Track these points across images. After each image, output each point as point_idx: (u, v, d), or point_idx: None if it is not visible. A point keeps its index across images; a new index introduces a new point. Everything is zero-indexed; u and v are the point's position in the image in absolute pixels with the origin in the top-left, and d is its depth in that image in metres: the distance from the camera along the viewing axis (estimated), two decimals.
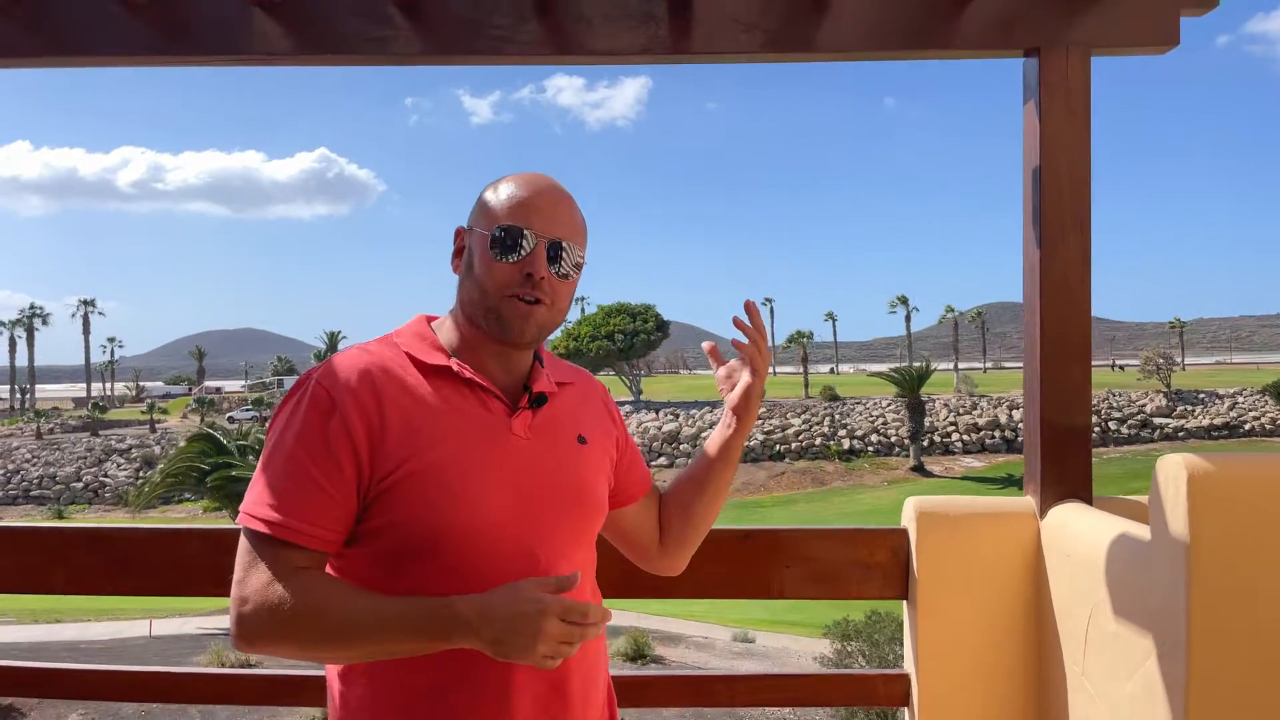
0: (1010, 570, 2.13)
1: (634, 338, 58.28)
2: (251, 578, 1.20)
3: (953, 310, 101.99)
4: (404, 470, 1.23)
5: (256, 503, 1.22)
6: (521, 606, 1.13)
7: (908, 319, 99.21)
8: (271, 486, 1.22)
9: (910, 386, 48.46)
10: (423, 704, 1.25)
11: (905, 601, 2.20)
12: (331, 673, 1.34)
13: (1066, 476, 2.14)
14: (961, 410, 53.62)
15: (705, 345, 1.57)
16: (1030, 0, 2.18)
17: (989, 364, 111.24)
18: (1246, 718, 1.54)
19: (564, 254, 1.32)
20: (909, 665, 2.18)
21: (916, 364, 55.84)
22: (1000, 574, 2.13)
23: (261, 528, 1.21)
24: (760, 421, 50.75)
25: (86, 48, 2.22)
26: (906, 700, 2.18)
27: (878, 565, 2.22)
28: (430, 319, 1.41)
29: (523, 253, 1.29)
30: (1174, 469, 1.57)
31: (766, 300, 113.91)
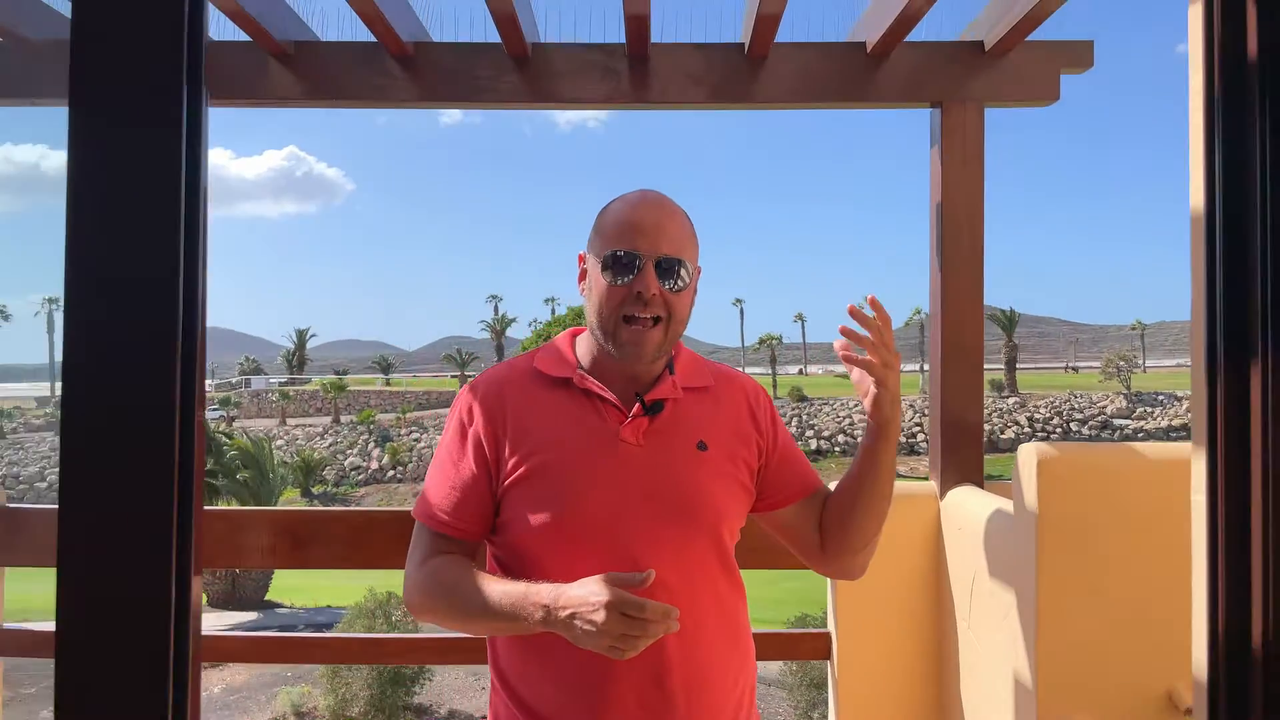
0: (915, 542, 2.53)
1: None
2: (412, 558, 1.41)
3: (920, 312, 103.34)
4: (520, 472, 1.35)
5: (420, 497, 1.43)
6: (587, 597, 1.18)
7: None
8: (427, 485, 1.43)
9: None
10: (552, 660, 1.34)
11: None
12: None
13: (962, 464, 2.54)
14: (926, 411, 54.49)
15: (836, 345, 1.37)
16: (935, 62, 2.58)
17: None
18: (1081, 652, 1.93)
19: (673, 268, 1.36)
20: (830, 625, 2.57)
21: None
22: (907, 546, 2.53)
23: (418, 518, 1.42)
24: None
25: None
26: (828, 654, 2.57)
27: None
28: (577, 333, 1.50)
29: (633, 274, 1.35)
30: (1028, 456, 1.97)
31: (737, 301, 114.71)
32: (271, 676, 12.68)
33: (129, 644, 0.68)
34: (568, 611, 1.20)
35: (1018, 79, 2.56)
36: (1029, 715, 1.93)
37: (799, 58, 2.60)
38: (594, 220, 1.43)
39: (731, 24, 2.66)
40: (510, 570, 1.37)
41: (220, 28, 2.52)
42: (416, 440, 50.48)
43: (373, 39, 2.49)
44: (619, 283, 1.35)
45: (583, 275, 1.44)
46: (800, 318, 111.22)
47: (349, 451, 50.41)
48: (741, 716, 1.42)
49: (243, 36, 2.48)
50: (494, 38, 2.48)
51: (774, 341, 78.67)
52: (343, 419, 56.21)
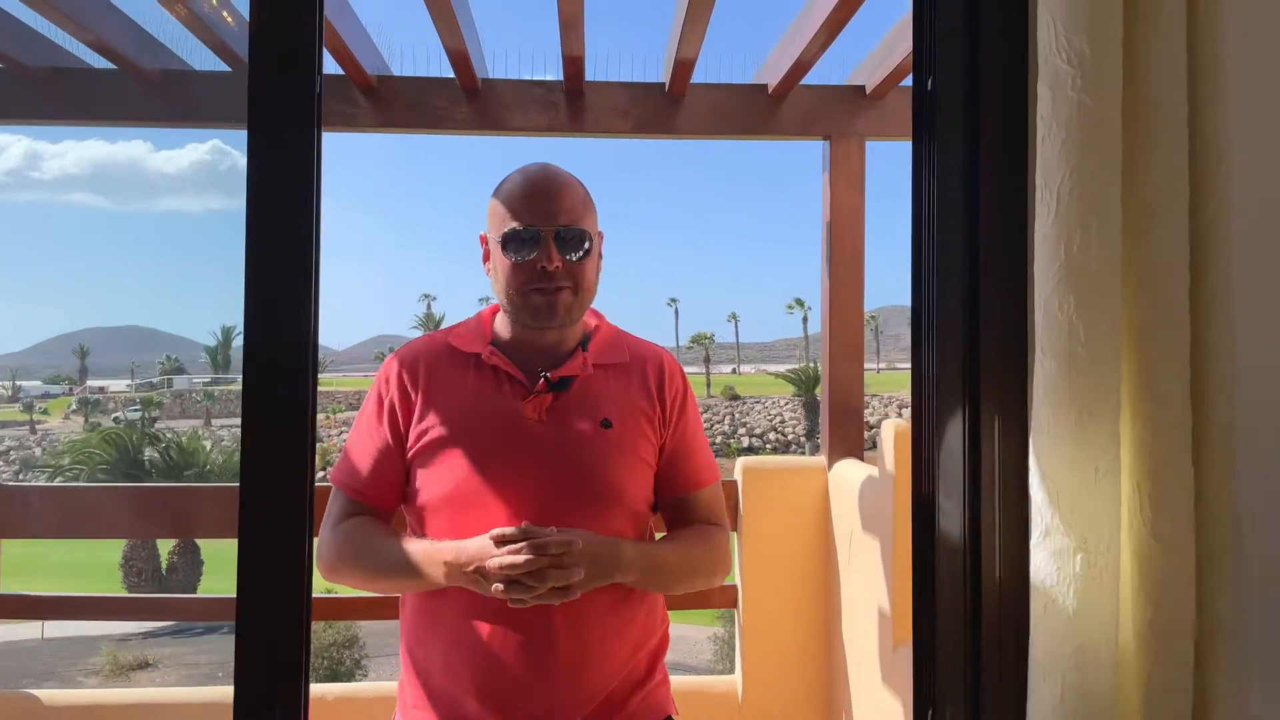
0: (806, 507, 3.00)
1: None
2: (326, 521, 1.42)
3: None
4: (423, 443, 1.36)
5: (336, 464, 1.44)
6: (485, 546, 1.24)
7: (805, 321, 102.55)
8: (345, 451, 1.44)
9: (807, 386, 50.46)
10: (443, 627, 1.36)
11: (735, 532, 3.05)
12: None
13: (846, 441, 3.02)
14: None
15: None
16: (826, 101, 3.05)
17: (883, 365, 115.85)
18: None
19: (573, 238, 1.35)
20: (737, 578, 3.03)
21: (813, 364, 57.93)
22: (800, 510, 3.00)
23: (334, 483, 1.44)
24: None
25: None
26: (736, 603, 3.02)
27: None
28: (496, 309, 1.49)
29: (532, 250, 1.34)
30: (888, 430, 2.44)
31: (671, 301, 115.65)
32: None
33: (281, 561, 1.05)
34: (472, 565, 1.24)
35: (893, 118, 3.05)
36: (887, 638, 2.41)
37: (712, 96, 3.04)
38: (488, 199, 1.41)
39: (654, 66, 3.10)
40: (420, 538, 1.38)
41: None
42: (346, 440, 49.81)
43: (341, 72, 2.85)
44: (521, 259, 1.34)
45: (486, 255, 1.42)
46: (734, 317, 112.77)
47: None
48: (638, 676, 1.40)
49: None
50: (449, 73, 2.87)
51: (707, 341, 79.73)
52: None
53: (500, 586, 1.22)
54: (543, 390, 1.37)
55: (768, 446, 52.81)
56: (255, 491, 1.02)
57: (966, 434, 1.06)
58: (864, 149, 3.06)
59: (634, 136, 3.06)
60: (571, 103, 2.99)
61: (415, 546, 1.32)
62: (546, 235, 1.34)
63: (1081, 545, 0.91)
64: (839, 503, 2.90)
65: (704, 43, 2.70)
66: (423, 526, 1.38)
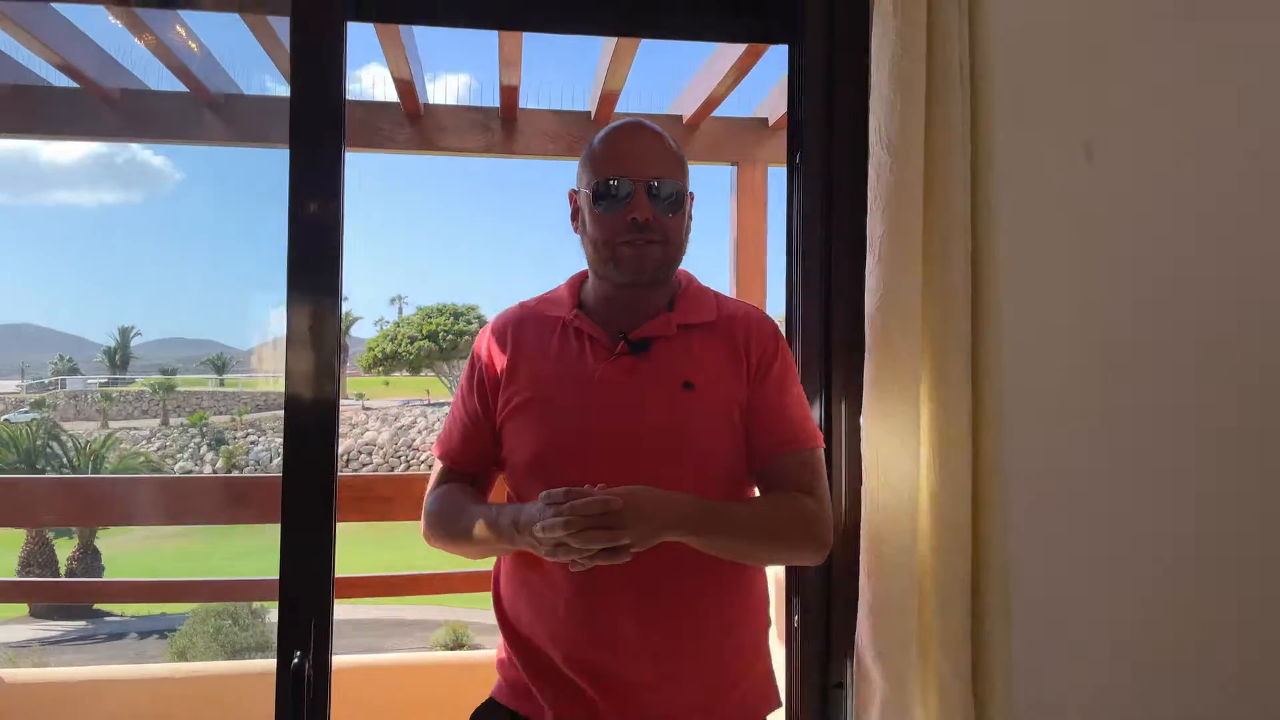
0: None
1: (460, 338, 58.29)
2: (428, 492, 1.44)
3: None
4: (510, 408, 1.36)
5: (440, 434, 1.48)
6: (537, 509, 1.19)
7: None
8: (446, 422, 1.46)
9: None
10: (532, 592, 1.35)
11: None
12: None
13: None
14: None
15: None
16: (732, 132, 3.45)
17: None
18: None
19: (664, 191, 1.32)
20: None
21: None
22: None
23: (435, 454, 1.46)
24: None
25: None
26: None
27: None
28: (585, 275, 1.46)
29: (624, 201, 1.31)
30: None
31: (396, 299, 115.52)
32: None
33: (312, 537, 1.37)
34: (526, 531, 1.20)
35: None
36: None
37: None
38: (581, 156, 1.40)
39: (582, 96, 3.45)
40: (514, 501, 1.39)
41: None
42: (254, 443, 48.71)
43: None
44: (611, 211, 1.31)
45: (575, 214, 1.40)
46: None
47: (179, 455, 48.09)
48: (740, 665, 1.34)
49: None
50: (394, 98, 3.16)
51: None
52: (172, 421, 53.47)
53: (550, 551, 1.18)
54: (623, 352, 1.33)
55: None
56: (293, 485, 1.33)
57: (823, 412, 1.44)
58: (766, 174, 3.47)
59: (562, 159, 3.40)
60: (505, 127, 3.32)
61: (485, 512, 1.32)
62: (638, 187, 1.31)
63: (894, 491, 1.30)
64: None
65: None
66: (514, 491, 1.39)
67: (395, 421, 41.30)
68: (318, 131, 1.38)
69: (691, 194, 1.38)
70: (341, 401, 1.45)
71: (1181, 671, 1.36)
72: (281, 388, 1.41)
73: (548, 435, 1.32)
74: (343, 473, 1.68)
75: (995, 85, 1.32)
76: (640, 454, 1.29)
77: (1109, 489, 1.35)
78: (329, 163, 1.40)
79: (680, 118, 3.39)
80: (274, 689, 1.32)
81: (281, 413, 1.41)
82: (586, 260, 1.40)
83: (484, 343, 1.42)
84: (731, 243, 3.49)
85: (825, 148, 1.39)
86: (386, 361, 52.11)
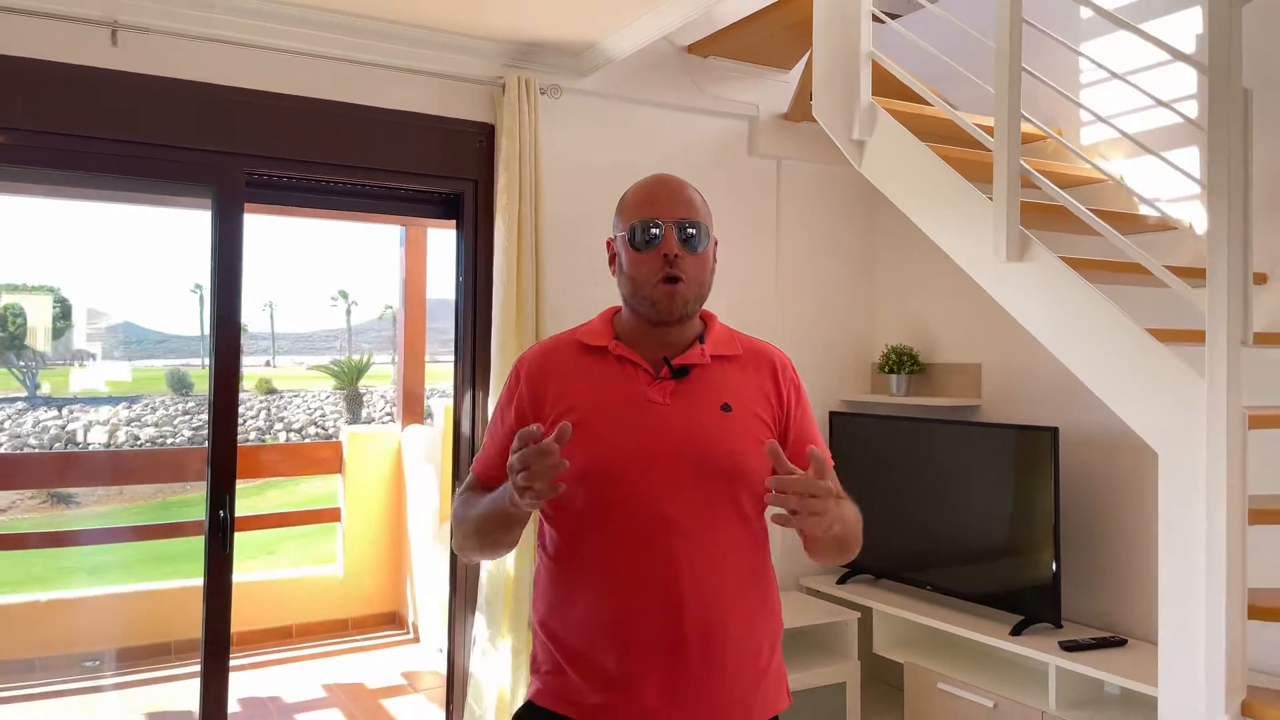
0: (387, 460, 4.78)
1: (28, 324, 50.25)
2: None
3: (391, 307, 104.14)
4: (554, 425, 1.36)
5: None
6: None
7: (349, 313, 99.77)
8: (484, 440, 1.57)
9: (350, 379, 49.83)
10: (569, 604, 1.43)
11: (340, 475, 4.72)
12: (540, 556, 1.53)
13: (414, 413, 4.83)
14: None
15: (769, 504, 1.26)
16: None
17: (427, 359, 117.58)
18: None
19: (690, 230, 1.44)
20: (340, 502, 4.70)
21: (356, 356, 56.96)
22: (383, 457, 4.76)
23: (471, 470, 1.57)
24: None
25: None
26: (340, 519, 4.70)
27: (326, 461, 4.73)
28: (616, 310, 1.57)
29: (657, 240, 1.43)
30: (439, 406, 4.31)
31: (196, 288, 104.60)
32: None
33: None
34: (549, 453, 1.23)
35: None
36: (433, 530, 4.27)
37: None
38: (617, 206, 1.52)
39: None
40: (550, 516, 1.47)
41: None
42: None
43: None
44: (647, 250, 1.44)
45: (612, 259, 1.53)
46: (269, 306, 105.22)
47: None
48: (761, 664, 1.44)
49: None
50: None
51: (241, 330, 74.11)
52: None
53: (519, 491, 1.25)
54: (667, 376, 1.45)
55: (308, 440, 51.36)
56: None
57: (473, 408, 2.95)
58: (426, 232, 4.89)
59: None
60: None
61: (493, 493, 1.42)
62: (668, 227, 1.43)
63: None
64: (409, 451, 4.73)
65: None
66: (554, 505, 1.44)
67: None
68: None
69: (715, 238, 1.52)
70: None
71: None
72: None
73: (603, 449, 1.39)
74: None
75: (546, 246, 2.93)
76: (687, 466, 1.40)
77: None
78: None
79: None
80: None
81: None
82: (623, 299, 1.53)
83: (523, 368, 1.53)
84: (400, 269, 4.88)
85: (473, 272, 2.93)
86: None
